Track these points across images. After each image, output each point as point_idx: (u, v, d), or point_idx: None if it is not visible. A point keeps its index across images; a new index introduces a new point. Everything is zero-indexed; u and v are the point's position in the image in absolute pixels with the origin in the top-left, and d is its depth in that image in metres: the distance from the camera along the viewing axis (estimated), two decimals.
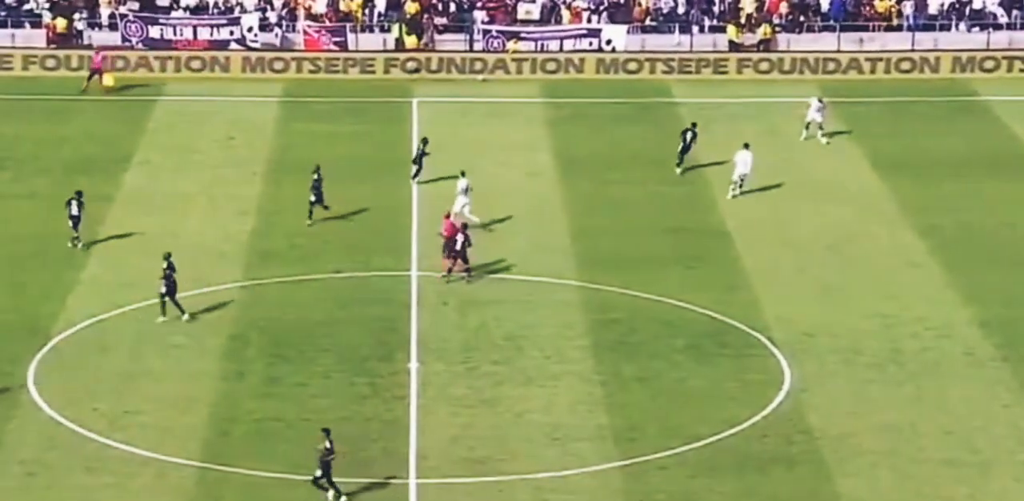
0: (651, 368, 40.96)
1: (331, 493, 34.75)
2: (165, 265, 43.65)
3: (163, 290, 43.22)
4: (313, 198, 50.59)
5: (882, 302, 44.88)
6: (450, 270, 45.97)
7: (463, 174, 50.90)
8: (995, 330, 43.01)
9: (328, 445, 34.72)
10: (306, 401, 39.15)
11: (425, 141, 54.31)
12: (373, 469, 36.02)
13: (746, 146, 53.29)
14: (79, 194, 48.90)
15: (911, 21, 70.22)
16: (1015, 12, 70.80)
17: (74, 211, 48.58)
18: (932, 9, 71.05)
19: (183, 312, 43.42)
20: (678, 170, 55.65)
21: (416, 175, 53.83)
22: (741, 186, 52.84)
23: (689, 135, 55.86)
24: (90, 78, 64.86)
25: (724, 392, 39.68)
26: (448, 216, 47.51)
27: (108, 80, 65.02)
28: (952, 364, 41.22)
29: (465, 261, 46.02)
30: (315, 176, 50.96)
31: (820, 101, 58.95)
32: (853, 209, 52.42)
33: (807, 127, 58.78)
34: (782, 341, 42.31)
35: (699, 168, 56.25)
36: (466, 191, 50.33)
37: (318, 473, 34.66)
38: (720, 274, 46.97)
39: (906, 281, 46.43)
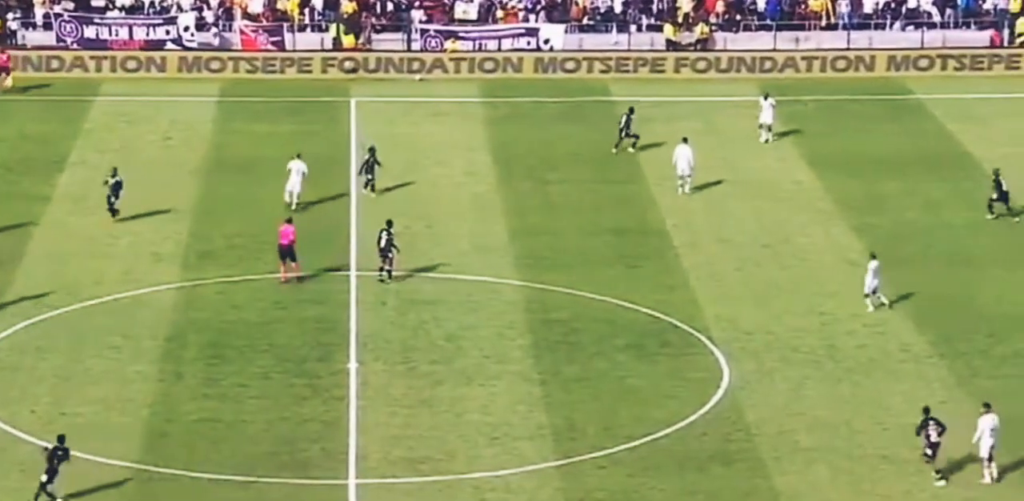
0: (591, 367, 41.05)
1: None
2: None
3: None
4: (112, 200, 49.80)
5: (819, 300, 45.15)
6: (290, 276, 45.28)
7: (298, 156, 51.55)
8: (930, 327, 43.33)
9: (49, 448, 33.94)
10: (244, 402, 39.02)
11: (372, 149, 53.07)
12: (312, 470, 35.93)
13: (684, 140, 53.56)
14: None
15: (846, 20, 70.67)
16: (948, 11, 71.39)
17: None
18: (867, 8, 71.54)
19: None
20: (615, 149, 57.02)
21: (368, 184, 52.60)
22: (689, 178, 53.09)
23: (624, 118, 57.04)
24: None
25: (664, 391, 39.82)
26: (289, 222, 46.22)
27: (8, 81, 64.43)
28: (888, 361, 41.52)
29: (385, 260, 45.71)
30: (114, 179, 49.98)
31: (767, 99, 59.15)
32: (790, 207, 52.70)
33: (761, 128, 59.03)
34: (721, 339, 42.49)
35: (638, 167, 56.46)
36: (300, 173, 51.14)
37: (44, 478, 33.80)
38: (660, 273, 47.12)
39: (842, 279, 46.71)
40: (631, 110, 57.78)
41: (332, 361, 41.26)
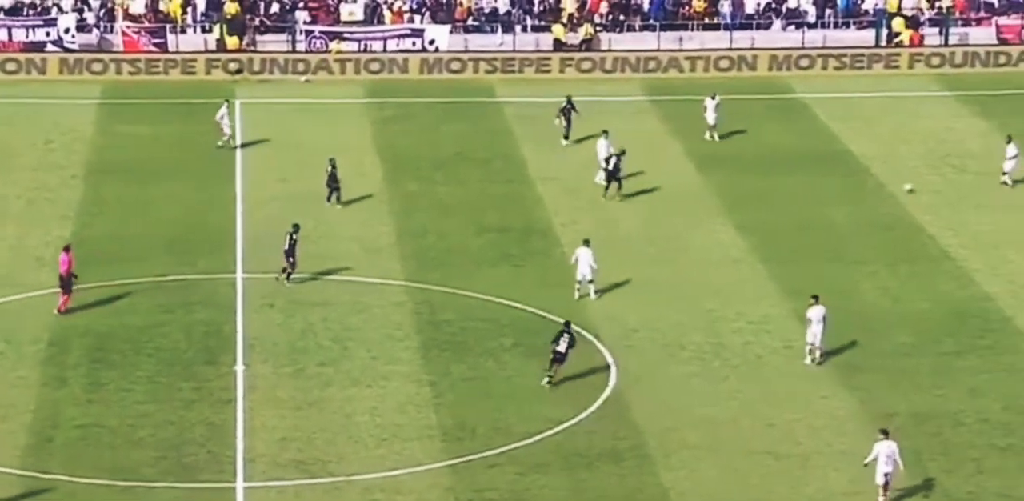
0: (479, 367, 41.12)
1: None
2: None
3: None
4: None
5: (704, 297, 45.51)
6: (67, 307, 43.54)
7: (227, 101, 57.31)
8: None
9: None
10: (130, 406, 38.67)
11: (332, 161, 52.05)
12: (200, 474, 35.69)
13: (605, 133, 54.53)
14: None
15: (729, 20, 71.29)
16: (828, 11, 72.27)
17: None
18: (749, 8, 72.22)
19: None
20: (565, 143, 58.25)
21: (334, 198, 51.73)
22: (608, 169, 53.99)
23: (570, 111, 58.62)
24: None
25: (552, 390, 39.94)
26: (67, 250, 44.09)
27: None
28: (773, 357, 41.94)
29: (287, 263, 45.60)
30: None
31: (713, 98, 59.58)
32: (675, 206, 53.05)
33: (711, 129, 59.49)
34: (608, 338, 42.71)
35: (524, 167, 56.65)
36: (222, 117, 56.78)
37: None
38: (547, 272, 47.28)
39: (727, 276, 47.12)
40: (569, 100, 58.69)
41: (219, 364, 41.00)
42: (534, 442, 37.21)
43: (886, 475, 34.62)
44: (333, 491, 35.12)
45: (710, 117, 59.58)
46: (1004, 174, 54.84)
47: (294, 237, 45.72)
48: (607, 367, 41.16)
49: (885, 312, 44.77)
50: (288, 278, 45.65)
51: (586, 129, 58.49)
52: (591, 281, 45.01)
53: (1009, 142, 55.06)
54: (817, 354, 41.36)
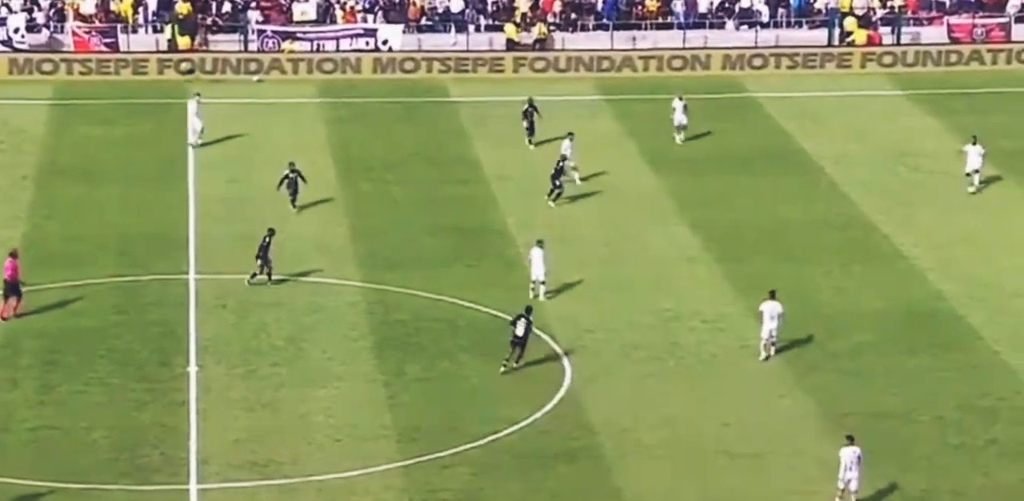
0: (434, 367, 41.04)
1: None
2: None
3: None
4: None
5: (660, 297, 45.55)
6: (9, 314, 43.02)
7: (197, 94, 57.38)
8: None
9: None
10: (83, 408, 38.43)
11: (292, 164, 51.64)
12: (153, 475, 35.49)
13: (570, 135, 54.73)
14: None
15: (682, 19, 71.43)
16: (781, 10, 72.52)
17: None
18: (702, 8, 72.38)
19: None
20: (532, 146, 57.98)
21: (294, 203, 51.51)
22: (575, 169, 54.11)
23: (532, 113, 58.35)
24: None
25: (506, 390, 39.93)
26: (14, 255, 43.64)
27: None
28: (728, 357, 42.00)
29: (258, 265, 45.42)
30: None
31: (681, 100, 59.54)
32: (630, 206, 53.10)
33: (679, 130, 59.37)
34: (563, 338, 42.70)
35: (478, 167, 56.62)
36: (194, 114, 57.05)
37: None
38: (501, 272, 47.24)
39: (683, 276, 47.19)
40: (531, 102, 58.55)
41: (172, 365, 40.79)
42: (488, 443, 37.16)
43: (848, 481, 34.70)
44: (288, 492, 34.99)
45: (678, 118, 59.45)
46: (976, 173, 54.31)
47: (267, 240, 45.52)
48: (562, 367, 41.14)
49: (839, 311, 44.91)
50: (251, 278, 45.43)
51: (545, 130, 58.46)
52: (543, 282, 45.00)
53: (975, 143, 54.82)
54: (772, 350, 41.50)
